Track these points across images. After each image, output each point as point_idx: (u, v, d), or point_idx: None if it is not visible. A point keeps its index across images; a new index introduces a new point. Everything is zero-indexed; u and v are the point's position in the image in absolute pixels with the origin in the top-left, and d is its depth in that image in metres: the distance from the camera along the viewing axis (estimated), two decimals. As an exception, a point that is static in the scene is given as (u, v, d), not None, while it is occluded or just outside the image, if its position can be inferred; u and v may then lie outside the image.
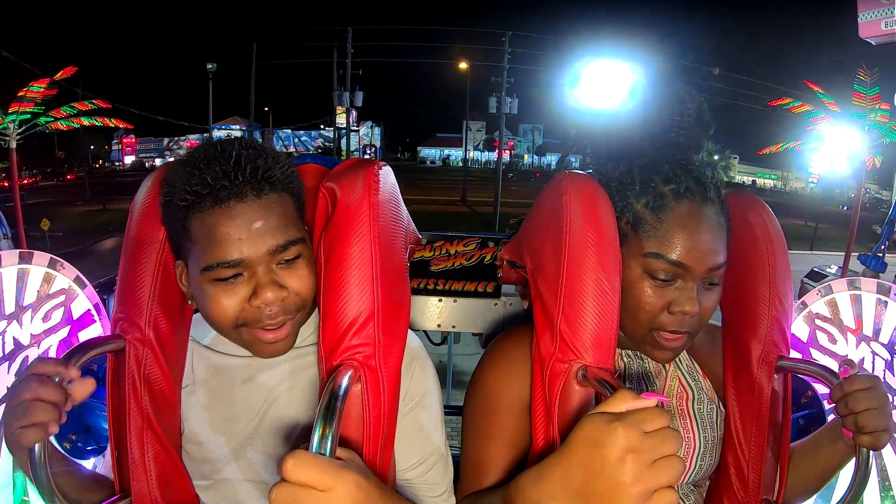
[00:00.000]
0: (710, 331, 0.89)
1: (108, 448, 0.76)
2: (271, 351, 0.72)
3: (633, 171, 0.75)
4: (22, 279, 1.11)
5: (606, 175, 0.79)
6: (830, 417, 1.07)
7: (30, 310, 1.10)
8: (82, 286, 1.18)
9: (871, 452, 0.72)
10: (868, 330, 1.11)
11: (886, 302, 1.10)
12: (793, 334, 1.09)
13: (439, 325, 1.24)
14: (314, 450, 0.51)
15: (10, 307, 1.09)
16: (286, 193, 0.70)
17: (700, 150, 0.80)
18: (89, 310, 1.19)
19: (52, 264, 1.15)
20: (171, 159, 0.79)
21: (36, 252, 1.13)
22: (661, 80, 0.80)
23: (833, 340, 1.14)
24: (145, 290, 0.73)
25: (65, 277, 1.16)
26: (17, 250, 1.11)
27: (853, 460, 0.73)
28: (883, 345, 1.09)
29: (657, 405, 0.49)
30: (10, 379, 1.07)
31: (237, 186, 0.65)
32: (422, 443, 0.78)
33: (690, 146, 0.79)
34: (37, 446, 0.62)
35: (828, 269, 11.61)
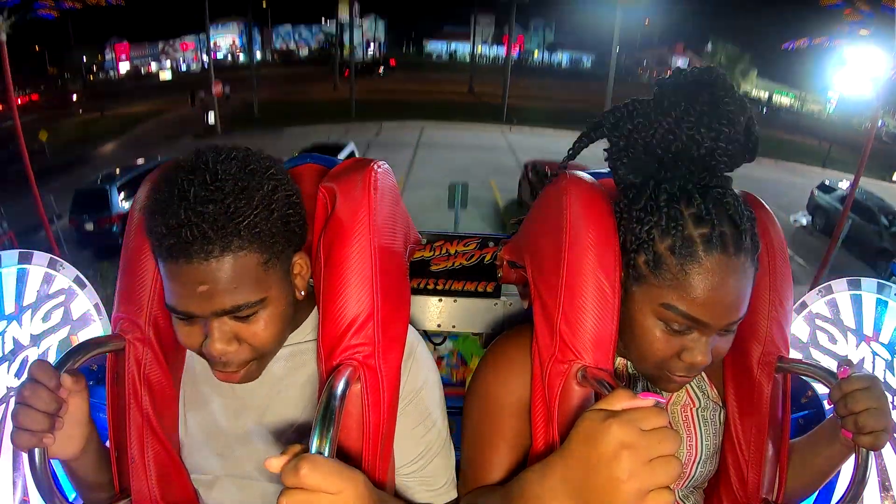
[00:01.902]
0: None
1: (108, 448, 0.76)
2: (230, 383, 0.70)
3: (658, 197, 0.66)
4: (22, 279, 1.11)
5: (625, 191, 0.72)
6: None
7: (30, 310, 1.10)
8: (82, 286, 1.18)
9: (871, 452, 0.72)
10: (868, 330, 1.11)
11: (887, 302, 1.10)
12: (793, 334, 1.09)
13: (439, 325, 1.24)
14: (313, 450, 0.51)
15: (10, 307, 1.09)
16: (248, 249, 0.62)
17: (736, 168, 0.70)
18: (89, 310, 1.19)
19: (51, 264, 1.15)
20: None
21: (36, 252, 1.13)
22: (709, 87, 0.68)
23: (833, 340, 1.14)
24: (145, 289, 0.73)
25: (65, 277, 1.16)
26: (17, 250, 1.11)
27: (853, 460, 0.73)
28: (883, 345, 1.09)
29: (654, 405, 0.49)
30: (10, 379, 1.07)
31: (186, 245, 0.59)
32: (421, 437, 0.78)
33: (730, 167, 0.70)
34: (36, 449, 0.63)
35: (839, 184, 11.15)
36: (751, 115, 0.69)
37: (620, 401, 0.49)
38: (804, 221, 11.01)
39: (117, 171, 9.58)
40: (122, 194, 8.91)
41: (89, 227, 8.61)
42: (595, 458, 0.47)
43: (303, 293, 0.72)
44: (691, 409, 0.81)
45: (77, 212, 8.73)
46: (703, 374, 0.84)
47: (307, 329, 0.79)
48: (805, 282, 8.26)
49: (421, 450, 0.78)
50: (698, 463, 0.80)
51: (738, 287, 0.64)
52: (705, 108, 0.67)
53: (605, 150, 0.77)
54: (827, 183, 11.46)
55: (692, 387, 0.83)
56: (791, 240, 10.16)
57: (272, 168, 0.66)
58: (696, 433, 0.80)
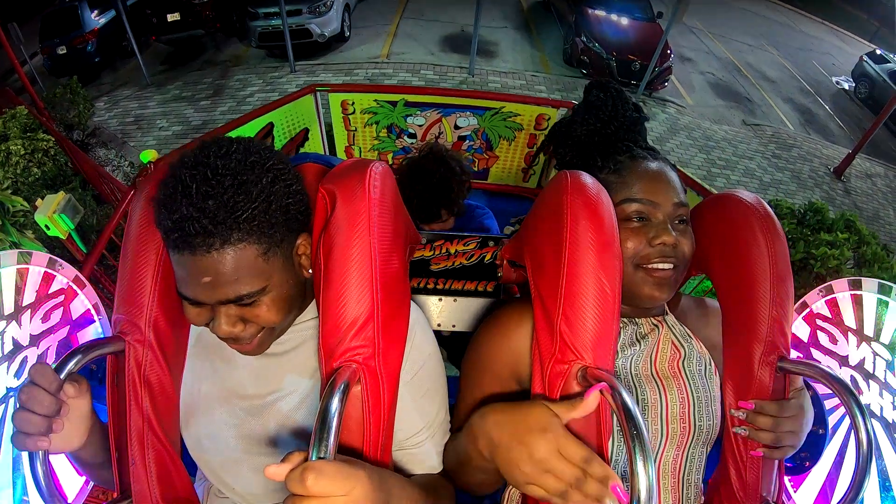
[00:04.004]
0: (701, 305, 0.94)
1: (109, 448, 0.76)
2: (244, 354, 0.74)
3: (593, 155, 0.89)
4: (21, 279, 1.10)
5: (571, 164, 0.91)
6: (831, 419, 1.07)
7: (29, 310, 1.10)
8: (82, 286, 1.18)
9: (872, 452, 0.72)
10: (869, 330, 1.10)
11: (888, 302, 1.09)
12: (793, 334, 1.08)
13: (439, 325, 1.24)
14: (314, 454, 0.51)
15: (9, 307, 1.08)
16: (247, 241, 0.64)
17: (644, 134, 0.96)
18: (88, 310, 1.18)
19: (51, 264, 1.14)
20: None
21: (35, 252, 1.13)
22: (605, 94, 0.95)
23: (834, 340, 1.13)
24: (145, 291, 0.73)
25: (64, 277, 1.16)
26: (16, 251, 1.11)
27: (854, 460, 0.73)
28: (884, 345, 1.08)
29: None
30: (10, 379, 1.07)
31: (189, 238, 0.62)
32: (423, 410, 0.80)
33: (637, 131, 0.94)
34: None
35: (894, 56, 10.30)
36: (635, 102, 0.96)
37: (571, 412, 0.59)
38: (846, 86, 10.65)
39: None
40: (96, 10, 7.93)
41: (62, 50, 7.57)
42: (517, 442, 0.59)
43: (310, 271, 0.75)
44: (677, 360, 0.85)
45: (47, 38, 7.59)
46: (688, 329, 0.88)
47: (310, 313, 0.82)
48: (844, 145, 8.19)
49: (423, 424, 0.80)
50: (694, 411, 0.82)
51: (666, 175, 0.83)
52: (601, 107, 0.94)
53: (553, 149, 1.01)
54: (878, 52, 10.72)
55: (676, 338, 0.86)
56: (832, 100, 9.96)
57: (272, 159, 0.68)
58: (684, 383, 0.83)
